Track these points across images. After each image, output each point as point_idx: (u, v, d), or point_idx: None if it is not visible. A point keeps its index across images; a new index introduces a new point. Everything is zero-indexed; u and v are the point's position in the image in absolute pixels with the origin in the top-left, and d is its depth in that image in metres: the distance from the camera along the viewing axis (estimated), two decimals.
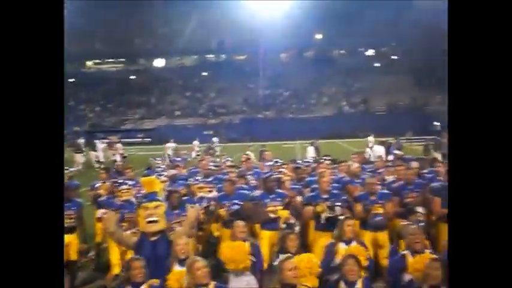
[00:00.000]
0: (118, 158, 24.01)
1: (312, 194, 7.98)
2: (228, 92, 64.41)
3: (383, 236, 7.47)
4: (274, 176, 8.47)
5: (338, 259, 5.68)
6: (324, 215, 7.31)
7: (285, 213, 7.60)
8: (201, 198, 8.47)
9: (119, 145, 29.93)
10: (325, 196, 7.67)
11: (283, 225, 7.17)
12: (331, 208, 7.32)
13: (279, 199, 7.91)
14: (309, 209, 7.61)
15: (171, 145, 28.54)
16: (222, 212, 8.11)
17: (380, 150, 18.25)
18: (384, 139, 22.94)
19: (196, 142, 30.87)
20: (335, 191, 7.94)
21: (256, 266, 6.02)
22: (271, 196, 7.90)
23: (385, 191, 8.00)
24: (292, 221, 7.28)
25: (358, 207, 7.67)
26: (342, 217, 6.62)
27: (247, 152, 14.94)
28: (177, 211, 7.48)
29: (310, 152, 19.94)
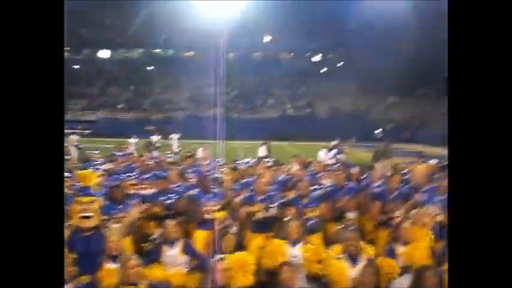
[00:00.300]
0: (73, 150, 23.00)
1: (249, 194, 7.92)
2: (174, 88, 63.71)
3: (316, 239, 7.50)
4: (212, 176, 8.39)
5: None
6: (257, 216, 7.28)
7: (221, 214, 7.51)
8: (134, 195, 8.21)
9: (72, 136, 28.34)
10: (261, 197, 7.65)
11: (219, 226, 7.05)
12: (267, 209, 7.30)
13: (216, 199, 7.78)
14: (244, 209, 7.56)
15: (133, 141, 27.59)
16: (157, 210, 7.92)
17: (323, 154, 18.49)
18: (325, 143, 23.24)
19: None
20: (272, 193, 7.91)
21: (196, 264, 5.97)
22: (207, 196, 7.76)
23: (318, 195, 8.06)
24: (228, 221, 7.20)
25: (291, 211, 7.68)
26: (286, 218, 6.59)
27: (199, 150, 14.76)
28: (120, 206, 7.26)
29: (262, 151, 19.77)
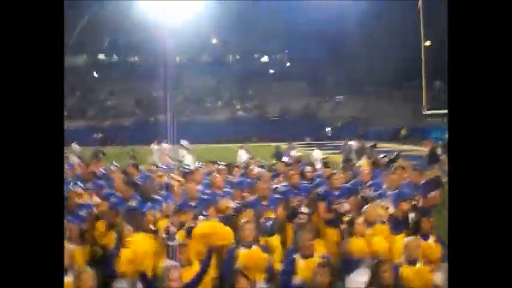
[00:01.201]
0: None
1: (180, 202, 7.78)
2: (120, 94, 62.47)
3: (275, 240, 7.37)
4: (152, 182, 8.14)
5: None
6: (187, 225, 6.91)
7: (163, 223, 7.16)
8: (82, 205, 7.83)
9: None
10: (192, 203, 7.53)
11: (164, 235, 6.68)
12: (195, 218, 7.01)
13: (158, 206, 7.49)
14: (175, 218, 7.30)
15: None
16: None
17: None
18: (276, 144, 23.31)
19: (75, 145, 28.92)
20: (204, 197, 7.79)
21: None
22: (148, 204, 7.44)
23: (276, 196, 7.91)
24: (172, 229, 6.87)
25: (249, 214, 7.52)
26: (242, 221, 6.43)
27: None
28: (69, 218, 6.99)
29: (242, 155, 19.06)
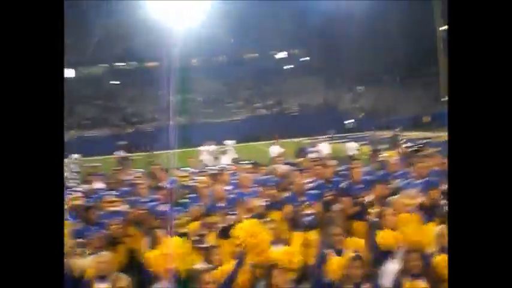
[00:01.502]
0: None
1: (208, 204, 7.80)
2: (140, 100, 62.98)
3: (313, 236, 7.34)
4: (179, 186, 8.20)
5: None
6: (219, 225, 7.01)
7: (194, 226, 7.23)
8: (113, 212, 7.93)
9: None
10: (222, 204, 7.58)
11: (195, 238, 6.74)
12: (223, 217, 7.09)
13: (186, 210, 7.54)
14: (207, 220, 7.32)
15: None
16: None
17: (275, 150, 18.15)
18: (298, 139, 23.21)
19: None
20: (232, 196, 7.86)
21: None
22: (178, 208, 7.52)
23: (312, 192, 7.90)
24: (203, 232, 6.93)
25: (287, 209, 7.51)
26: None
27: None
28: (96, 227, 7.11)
29: (275, 150, 18.69)
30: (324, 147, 18.88)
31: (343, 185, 8.19)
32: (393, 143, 18.27)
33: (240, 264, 5.56)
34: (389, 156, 9.41)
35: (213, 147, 24.65)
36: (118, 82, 68.27)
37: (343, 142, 25.39)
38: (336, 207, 7.62)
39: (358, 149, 16.20)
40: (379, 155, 10.66)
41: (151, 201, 8.26)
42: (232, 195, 7.93)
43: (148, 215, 7.64)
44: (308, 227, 7.23)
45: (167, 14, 55.48)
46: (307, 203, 7.53)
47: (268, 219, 6.63)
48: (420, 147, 11.50)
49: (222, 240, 6.77)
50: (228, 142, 26.12)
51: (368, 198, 7.53)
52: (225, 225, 6.91)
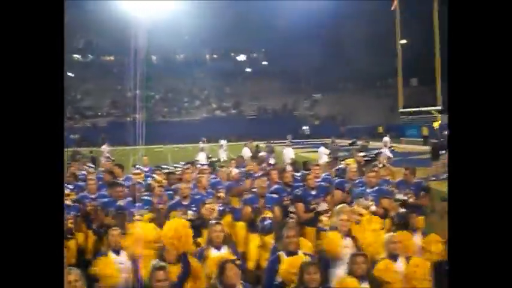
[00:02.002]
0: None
1: (172, 201, 7.78)
2: (95, 94, 61.81)
3: (269, 239, 7.39)
4: (143, 183, 8.11)
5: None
6: None
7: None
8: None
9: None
10: (185, 203, 7.52)
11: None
12: (184, 213, 7.13)
13: (147, 207, 7.45)
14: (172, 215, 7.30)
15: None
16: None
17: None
18: (257, 143, 23.30)
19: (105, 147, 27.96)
20: (197, 197, 7.77)
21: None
22: (137, 204, 7.40)
23: (273, 195, 7.92)
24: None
25: (247, 210, 7.56)
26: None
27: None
28: None
29: (246, 152, 18.93)
30: (289, 152, 19.26)
31: (298, 190, 8.26)
32: (350, 152, 18.65)
33: (186, 266, 5.51)
34: (349, 164, 9.56)
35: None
36: (73, 75, 66.64)
37: (300, 148, 25.67)
38: (292, 210, 7.73)
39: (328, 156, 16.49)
40: (340, 163, 10.82)
41: (104, 197, 8.12)
42: (195, 196, 7.91)
43: (100, 211, 7.57)
44: (266, 231, 7.31)
45: (130, 9, 54.77)
46: (266, 206, 7.57)
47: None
48: (373, 157, 11.73)
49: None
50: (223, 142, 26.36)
51: (322, 206, 7.66)
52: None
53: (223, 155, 22.75)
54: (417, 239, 6.27)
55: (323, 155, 17.59)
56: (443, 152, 18.58)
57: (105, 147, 24.60)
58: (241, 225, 7.67)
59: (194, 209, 7.38)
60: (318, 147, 19.86)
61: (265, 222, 7.31)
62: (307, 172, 8.85)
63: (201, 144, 23.64)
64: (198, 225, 6.81)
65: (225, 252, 5.81)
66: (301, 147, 32.28)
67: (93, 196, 8.18)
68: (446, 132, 19.56)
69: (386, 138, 23.08)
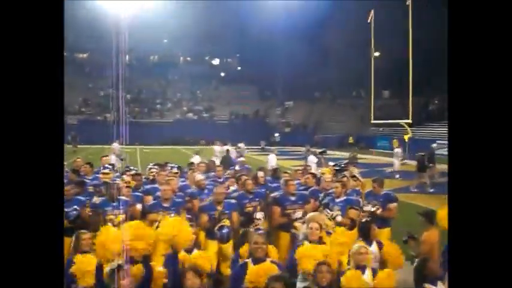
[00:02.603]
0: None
1: (153, 202, 7.77)
2: (66, 91, 60.67)
3: (228, 247, 7.33)
4: (116, 183, 7.98)
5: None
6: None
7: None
8: None
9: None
10: (166, 205, 7.50)
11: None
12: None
13: (122, 207, 7.38)
14: (150, 217, 7.33)
15: None
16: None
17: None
18: (226, 148, 23.21)
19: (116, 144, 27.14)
20: (178, 200, 7.80)
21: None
22: (113, 204, 7.36)
23: (231, 201, 7.88)
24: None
25: (204, 218, 7.47)
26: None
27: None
28: None
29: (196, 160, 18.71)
30: (272, 159, 19.50)
31: (276, 194, 8.28)
32: (320, 161, 18.84)
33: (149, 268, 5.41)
34: (324, 173, 9.57)
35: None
36: None
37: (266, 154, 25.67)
38: (259, 215, 7.69)
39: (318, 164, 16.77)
40: (314, 171, 10.85)
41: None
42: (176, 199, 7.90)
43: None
44: (224, 240, 7.27)
45: (103, 7, 54.14)
46: (225, 213, 7.54)
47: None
48: (343, 167, 11.77)
49: None
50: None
51: (297, 213, 7.66)
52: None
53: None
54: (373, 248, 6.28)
55: (312, 163, 17.84)
56: (430, 165, 19.32)
57: (116, 145, 24.09)
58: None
59: (174, 211, 7.37)
60: (286, 154, 20.04)
61: (223, 231, 7.27)
62: (288, 178, 8.82)
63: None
64: None
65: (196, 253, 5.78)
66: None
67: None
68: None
69: (398, 150, 24.25)
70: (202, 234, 7.45)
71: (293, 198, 8.03)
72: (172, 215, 7.09)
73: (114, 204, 7.39)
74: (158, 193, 8.00)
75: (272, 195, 8.43)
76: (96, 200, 7.76)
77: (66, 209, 7.34)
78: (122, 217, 7.17)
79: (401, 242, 6.41)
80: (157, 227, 6.46)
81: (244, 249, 6.01)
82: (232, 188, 9.04)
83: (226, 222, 7.37)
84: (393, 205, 8.37)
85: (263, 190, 8.84)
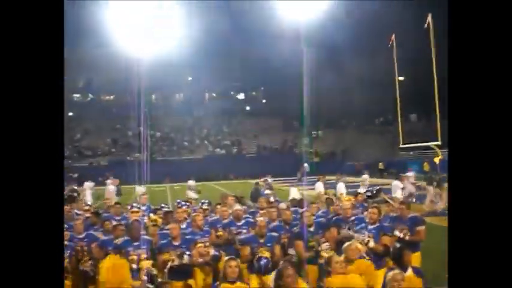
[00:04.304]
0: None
1: (162, 241, 7.61)
2: (95, 133, 61.85)
3: (268, 279, 7.16)
4: (138, 222, 7.94)
5: None
6: (169, 264, 7.00)
7: (146, 263, 7.03)
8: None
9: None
10: (176, 243, 7.39)
11: (144, 277, 6.59)
12: (180, 256, 7.03)
13: (144, 247, 7.27)
14: (160, 257, 7.26)
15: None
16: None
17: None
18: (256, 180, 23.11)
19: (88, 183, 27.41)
20: (188, 237, 7.66)
21: None
22: (135, 243, 7.25)
23: (273, 234, 7.76)
24: (154, 271, 6.73)
25: (245, 251, 7.38)
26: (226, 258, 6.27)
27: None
28: None
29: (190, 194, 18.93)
30: (293, 191, 19.22)
31: (295, 228, 8.12)
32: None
33: None
34: (344, 200, 9.37)
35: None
36: (72, 114, 66.77)
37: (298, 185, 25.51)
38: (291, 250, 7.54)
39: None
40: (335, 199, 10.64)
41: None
42: (187, 235, 7.73)
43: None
44: (263, 271, 7.09)
45: (129, 48, 55.11)
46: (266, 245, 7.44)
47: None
48: (374, 193, 11.58)
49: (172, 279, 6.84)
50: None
51: (323, 244, 7.47)
52: (175, 264, 6.88)
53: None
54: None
55: (342, 190, 17.55)
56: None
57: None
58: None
59: (184, 249, 7.25)
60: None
61: (262, 262, 7.09)
62: (302, 210, 8.67)
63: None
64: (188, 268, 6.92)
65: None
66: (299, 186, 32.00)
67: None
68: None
69: (410, 174, 23.42)
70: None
71: (312, 229, 7.88)
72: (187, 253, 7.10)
73: (136, 244, 7.26)
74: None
75: (293, 229, 8.27)
76: (118, 240, 7.59)
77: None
78: (144, 256, 7.08)
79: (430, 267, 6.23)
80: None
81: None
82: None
83: (265, 254, 7.21)
84: (421, 228, 8.08)
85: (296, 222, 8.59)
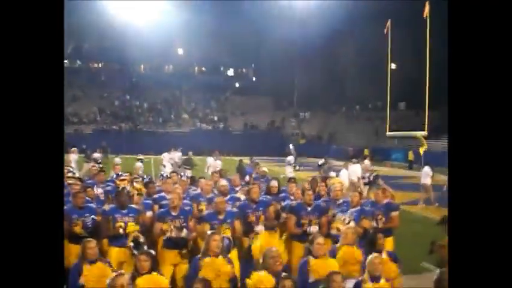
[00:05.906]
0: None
1: (161, 210, 7.63)
2: (82, 101, 61.13)
3: (233, 255, 7.13)
4: (126, 190, 7.91)
5: None
6: (170, 234, 7.07)
7: (134, 229, 7.07)
8: None
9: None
10: (174, 213, 7.35)
11: (131, 243, 6.57)
12: (181, 227, 7.11)
13: (132, 214, 7.29)
14: (158, 226, 7.26)
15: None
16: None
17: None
18: (240, 158, 23.13)
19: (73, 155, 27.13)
20: (186, 208, 7.69)
21: None
22: (122, 211, 7.25)
23: (234, 210, 7.82)
24: (141, 239, 6.69)
25: (204, 228, 7.33)
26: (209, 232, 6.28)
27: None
28: None
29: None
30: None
31: (293, 203, 8.22)
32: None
33: None
34: (333, 183, 9.36)
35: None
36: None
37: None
38: (259, 228, 7.71)
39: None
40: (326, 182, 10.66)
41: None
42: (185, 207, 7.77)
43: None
44: (226, 251, 7.05)
45: (120, 15, 54.42)
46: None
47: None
48: (371, 180, 11.71)
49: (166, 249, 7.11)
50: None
51: (313, 228, 7.55)
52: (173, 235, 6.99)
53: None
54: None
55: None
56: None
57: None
58: None
59: (182, 220, 7.29)
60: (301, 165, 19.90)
61: (225, 244, 7.01)
62: (307, 187, 8.77)
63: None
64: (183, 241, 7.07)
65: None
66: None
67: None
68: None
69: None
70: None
71: (309, 209, 7.86)
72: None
73: (124, 211, 7.27)
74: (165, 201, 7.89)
75: (289, 203, 8.32)
76: (106, 207, 7.68)
77: (82, 218, 7.34)
78: (131, 224, 7.14)
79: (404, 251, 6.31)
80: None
81: None
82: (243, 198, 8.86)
83: (227, 233, 7.22)
84: (395, 214, 8.33)
85: (267, 199, 8.55)
